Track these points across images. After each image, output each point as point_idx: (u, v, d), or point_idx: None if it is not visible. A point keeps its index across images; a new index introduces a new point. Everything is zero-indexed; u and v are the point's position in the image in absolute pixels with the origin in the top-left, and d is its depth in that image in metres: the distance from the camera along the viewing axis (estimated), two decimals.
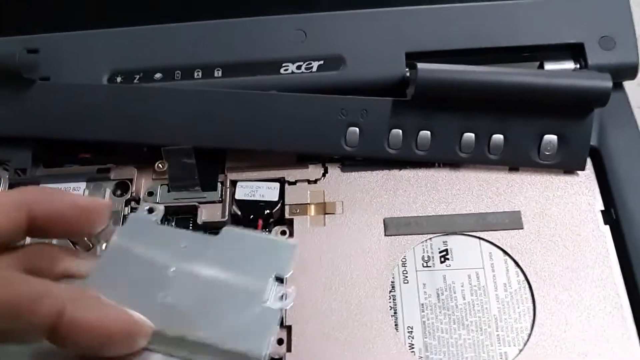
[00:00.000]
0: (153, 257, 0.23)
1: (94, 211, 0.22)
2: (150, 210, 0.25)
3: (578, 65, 0.33)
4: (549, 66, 0.33)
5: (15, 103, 0.31)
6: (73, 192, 0.25)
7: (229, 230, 0.24)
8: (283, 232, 0.30)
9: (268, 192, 0.31)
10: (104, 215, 0.23)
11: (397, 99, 0.31)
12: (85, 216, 0.22)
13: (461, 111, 0.30)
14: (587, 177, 0.31)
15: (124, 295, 0.22)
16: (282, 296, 0.23)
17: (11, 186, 0.32)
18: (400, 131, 0.31)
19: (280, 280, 0.23)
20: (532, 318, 0.28)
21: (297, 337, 0.27)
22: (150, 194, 0.32)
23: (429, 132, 0.31)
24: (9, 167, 0.32)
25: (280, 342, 0.27)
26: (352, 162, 0.32)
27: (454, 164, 0.31)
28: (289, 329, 0.27)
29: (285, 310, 0.28)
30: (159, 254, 0.23)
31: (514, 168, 0.32)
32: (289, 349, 0.27)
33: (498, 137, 0.31)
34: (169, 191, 0.32)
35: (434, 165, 0.32)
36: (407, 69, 0.32)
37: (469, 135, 0.31)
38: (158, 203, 0.30)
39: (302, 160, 0.32)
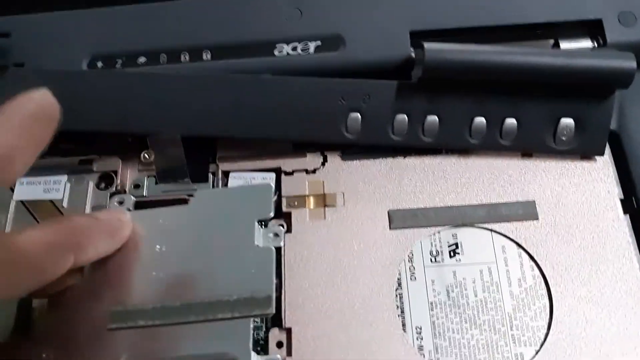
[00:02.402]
0: (137, 242, 0.24)
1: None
2: (120, 202, 0.26)
3: (596, 44, 0.30)
4: (564, 45, 0.31)
5: None
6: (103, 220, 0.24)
7: (200, 193, 0.25)
8: (281, 226, 0.28)
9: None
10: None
11: (402, 81, 0.28)
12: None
13: (471, 94, 0.28)
14: (604, 163, 0.29)
15: (121, 282, 0.23)
16: (271, 236, 0.24)
17: None
18: (406, 116, 0.28)
19: (264, 223, 0.24)
20: (549, 316, 0.26)
21: (297, 340, 0.25)
22: (137, 186, 0.29)
23: (436, 117, 0.28)
24: None
25: (279, 345, 0.25)
26: (353, 149, 0.30)
27: (463, 150, 0.29)
28: (288, 331, 0.25)
29: (284, 311, 0.26)
30: (141, 237, 0.24)
31: (527, 154, 0.29)
32: (289, 353, 0.25)
33: (511, 122, 0.29)
34: (156, 183, 0.29)
35: (441, 152, 0.29)
36: (412, 49, 0.30)
37: (480, 120, 0.28)
38: (144, 196, 0.29)
39: (299, 148, 0.30)
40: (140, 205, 0.28)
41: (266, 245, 0.23)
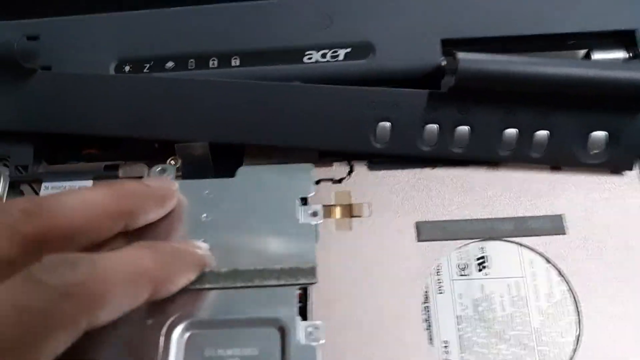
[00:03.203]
0: (182, 210, 0.25)
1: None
2: (163, 171, 0.26)
3: (629, 55, 0.30)
4: (597, 55, 0.30)
5: (14, 95, 0.29)
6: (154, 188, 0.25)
7: (244, 170, 0.26)
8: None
9: None
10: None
11: (433, 90, 0.28)
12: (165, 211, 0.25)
13: (503, 105, 0.28)
14: (632, 178, 0.29)
15: None
16: (311, 214, 0.25)
17: (11, 184, 0.29)
18: (436, 126, 0.28)
19: (304, 201, 0.25)
20: (577, 332, 0.26)
21: (323, 352, 0.25)
22: None
23: (467, 128, 0.28)
24: (9, 164, 0.29)
25: None
26: (380, 159, 0.29)
27: (491, 162, 0.29)
28: None
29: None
30: (187, 205, 0.25)
31: (556, 167, 0.29)
32: None
33: (542, 134, 0.28)
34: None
35: (470, 163, 0.29)
36: (443, 58, 0.29)
37: (511, 132, 0.28)
38: None
39: (325, 157, 0.30)
40: None
41: (306, 222, 0.25)
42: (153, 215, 0.24)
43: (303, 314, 0.26)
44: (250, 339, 0.22)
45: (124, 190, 0.22)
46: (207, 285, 0.23)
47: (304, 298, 0.26)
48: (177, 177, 0.29)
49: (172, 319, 0.22)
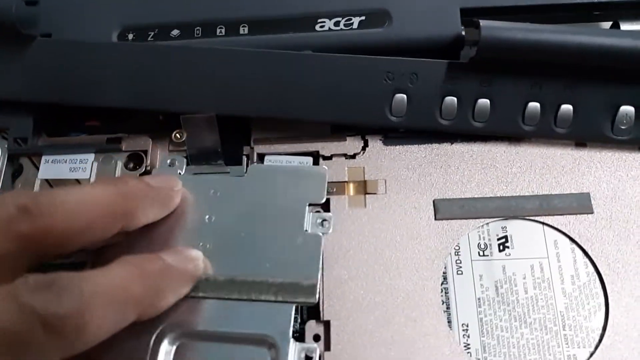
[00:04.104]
0: (186, 208, 0.24)
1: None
2: (172, 164, 0.25)
3: None
4: (625, 26, 0.28)
5: (13, 63, 0.28)
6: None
7: (256, 168, 0.25)
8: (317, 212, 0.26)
9: None
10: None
11: (453, 61, 0.27)
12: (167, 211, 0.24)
13: (526, 77, 0.26)
14: None
15: (167, 248, 0.22)
16: (321, 222, 0.23)
17: (10, 157, 0.28)
18: (455, 99, 0.27)
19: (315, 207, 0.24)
20: (604, 316, 0.24)
21: (336, 334, 0.24)
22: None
23: (488, 101, 0.27)
24: (8, 136, 0.28)
25: (317, 338, 0.24)
26: (396, 134, 0.28)
27: (513, 138, 0.28)
28: (327, 324, 0.24)
29: (322, 303, 0.24)
30: (191, 204, 0.24)
31: (580, 143, 0.28)
32: (327, 348, 0.24)
33: (567, 108, 0.27)
34: (188, 164, 0.28)
35: (491, 139, 0.28)
36: (462, 27, 0.28)
37: (534, 105, 0.27)
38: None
39: (338, 131, 0.28)
40: None
41: (314, 232, 0.23)
42: (153, 216, 0.23)
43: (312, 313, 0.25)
44: (240, 356, 0.21)
45: (126, 190, 0.21)
46: (202, 294, 0.22)
47: None
48: (182, 152, 0.28)
49: (162, 326, 0.21)
